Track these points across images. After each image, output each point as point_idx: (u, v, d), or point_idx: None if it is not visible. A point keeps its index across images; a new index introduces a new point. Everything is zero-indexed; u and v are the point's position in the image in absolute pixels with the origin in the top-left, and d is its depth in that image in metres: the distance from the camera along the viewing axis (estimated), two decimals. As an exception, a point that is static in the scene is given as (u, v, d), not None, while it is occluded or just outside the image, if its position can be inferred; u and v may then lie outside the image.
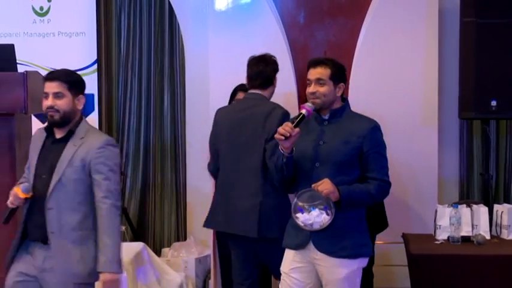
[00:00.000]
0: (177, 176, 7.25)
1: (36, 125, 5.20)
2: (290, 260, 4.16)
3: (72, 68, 6.70)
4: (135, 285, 5.54)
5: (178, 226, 7.24)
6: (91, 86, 6.85)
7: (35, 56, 6.79)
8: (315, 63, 4.15)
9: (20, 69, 4.95)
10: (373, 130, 4.10)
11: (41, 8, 6.93)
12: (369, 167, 4.06)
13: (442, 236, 5.44)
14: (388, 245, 6.24)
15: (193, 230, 6.98)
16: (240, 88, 5.72)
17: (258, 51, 6.34)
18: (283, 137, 3.92)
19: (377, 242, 5.88)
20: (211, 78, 6.49)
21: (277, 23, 6.49)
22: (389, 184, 4.12)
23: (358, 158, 4.06)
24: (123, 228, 7.02)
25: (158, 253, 6.67)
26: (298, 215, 4.03)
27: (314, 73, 4.11)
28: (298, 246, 4.12)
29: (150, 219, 7.31)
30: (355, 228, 4.09)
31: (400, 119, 6.29)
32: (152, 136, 7.27)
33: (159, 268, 6.08)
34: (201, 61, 6.73)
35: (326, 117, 4.15)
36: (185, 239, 7.06)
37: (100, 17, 7.04)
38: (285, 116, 4.87)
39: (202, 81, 6.67)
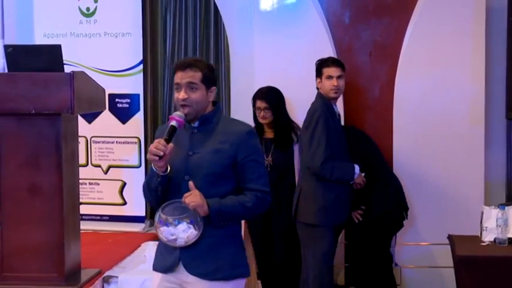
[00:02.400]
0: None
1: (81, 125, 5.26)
2: (157, 284, 3.77)
3: (117, 68, 6.87)
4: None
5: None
6: (136, 86, 6.90)
7: (81, 57, 6.84)
8: (184, 65, 3.62)
9: (67, 69, 4.98)
10: (248, 136, 3.65)
11: (88, 9, 6.98)
12: (244, 177, 3.61)
13: (488, 237, 5.37)
14: (434, 246, 6.19)
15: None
16: (256, 96, 5.79)
17: (303, 52, 6.36)
18: (157, 157, 3.46)
19: (422, 243, 5.83)
20: (256, 79, 6.48)
21: (322, 23, 6.46)
22: (268, 194, 3.65)
23: (232, 167, 3.60)
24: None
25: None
26: (162, 228, 3.56)
27: (184, 76, 3.59)
28: (167, 269, 3.65)
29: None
30: (229, 246, 3.62)
31: (447, 119, 6.24)
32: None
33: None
34: (246, 61, 6.72)
35: (195, 124, 3.67)
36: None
37: (146, 18, 7.07)
38: None
39: (247, 82, 6.66)
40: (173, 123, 3.55)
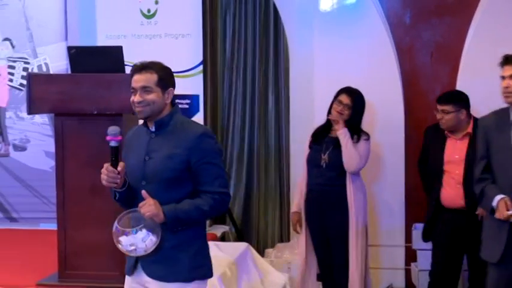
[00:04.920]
0: (281, 177, 7.26)
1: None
2: (127, 286, 3.74)
3: (177, 69, 6.90)
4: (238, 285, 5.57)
5: (282, 227, 7.24)
6: (196, 87, 6.94)
7: (142, 58, 6.82)
8: (140, 68, 3.62)
9: (128, 70, 5.03)
10: (200, 139, 3.57)
11: (149, 11, 7.05)
12: (200, 179, 3.57)
13: None
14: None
15: (296, 231, 6.97)
16: (344, 90, 5.68)
17: (363, 52, 6.32)
18: (114, 184, 3.51)
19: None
20: (315, 79, 6.47)
21: (382, 23, 6.42)
22: (226, 195, 3.63)
23: (189, 172, 3.56)
24: (227, 228, 7.09)
25: (262, 254, 6.68)
26: (121, 238, 3.51)
27: (139, 80, 3.58)
28: (129, 271, 3.67)
29: (254, 220, 7.34)
30: (188, 249, 3.59)
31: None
32: (256, 137, 7.30)
33: (262, 268, 6.09)
34: (306, 62, 6.70)
35: (153, 128, 3.64)
36: (289, 240, 7.05)
37: (206, 19, 7.11)
38: None
39: (306, 82, 6.65)
40: (112, 144, 3.51)
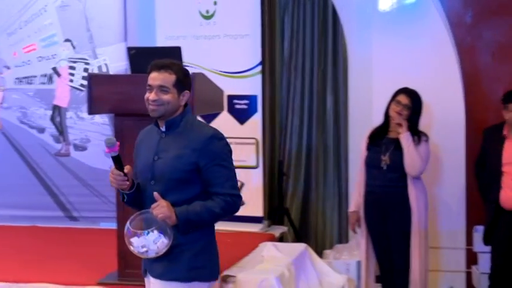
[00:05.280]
0: (340, 177, 7.24)
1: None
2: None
3: (236, 69, 6.92)
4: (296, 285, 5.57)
5: (340, 227, 7.21)
6: (255, 87, 6.93)
7: (201, 58, 6.92)
8: (159, 67, 3.63)
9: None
10: (210, 140, 3.59)
11: (207, 11, 7.07)
12: (210, 181, 3.57)
13: None
14: None
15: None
16: (403, 90, 5.63)
17: (423, 52, 6.25)
18: (123, 186, 3.58)
19: None
20: (374, 79, 6.42)
21: (443, 23, 6.34)
22: (237, 197, 3.64)
23: (197, 173, 3.57)
24: (285, 229, 7.08)
25: (320, 254, 6.65)
26: (133, 240, 3.54)
27: (156, 78, 3.60)
28: (144, 272, 3.77)
29: (312, 220, 7.32)
30: (189, 250, 3.59)
31: None
32: (315, 136, 7.29)
33: (321, 270, 6.07)
34: (364, 62, 6.65)
35: (163, 129, 3.68)
36: (347, 241, 7.02)
37: (264, 19, 7.10)
38: None
39: (365, 82, 6.60)
40: (112, 154, 3.54)
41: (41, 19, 7.51)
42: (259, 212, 6.98)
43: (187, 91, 3.67)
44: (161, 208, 3.48)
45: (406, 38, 6.36)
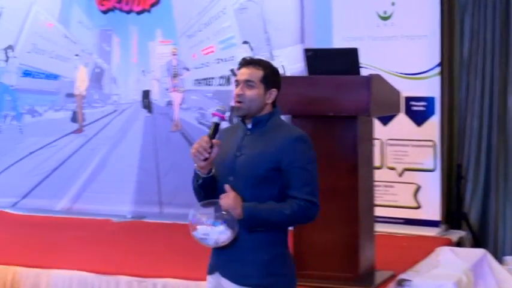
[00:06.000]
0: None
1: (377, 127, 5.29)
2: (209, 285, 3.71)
3: (413, 71, 6.83)
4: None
5: (523, 233, 7.00)
6: (432, 89, 6.83)
7: (377, 59, 6.86)
8: (247, 62, 3.62)
9: (363, 72, 5.05)
10: (295, 142, 3.52)
11: (385, 12, 7.02)
12: (289, 183, 3.49)
13: None
14: None
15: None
16: None
17: None
18: (202, 156, 3.46)
19: None
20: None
21: None
22: (313, 203, 3.50)
23: (277, 173, 3.49)
24: (464, 233, 6.92)
25: (500, 261, 6.45)
26: (198, 226, 3.48)
27: (244, 73, 3.58)
28: (210, 271, 3.65)
29: (492, 225, 7.11)
30: (264, 254, 3.50)
31: None
32: (495, 138, 7.08)
33: (500, 277, 5.89)
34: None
35: (249, 126, 3.63)
36: (529, 247, 6.80)
37: (443, 20, 6.97)
38: None
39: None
40: (215, 119, 3.53)
41: (219, 22, 7.70)
42: (436, 216, 6.86)
43: (275, 89, 3.63)
44: (228, 199, 3.45)
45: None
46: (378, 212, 5.61)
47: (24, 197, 8.58)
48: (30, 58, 8.60)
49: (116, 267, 5.61)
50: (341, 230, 4.90)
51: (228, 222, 3.44)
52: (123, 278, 5.41)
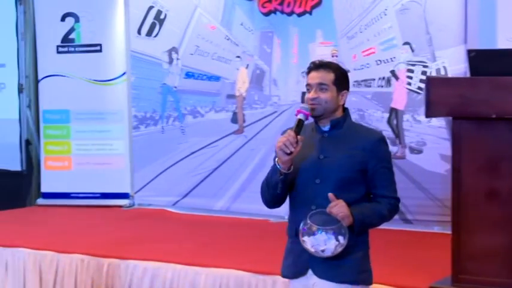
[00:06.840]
0: None
1: None
2: None
3: None
4: None
5: None
6: None
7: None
8: (317, 66, 3.68)
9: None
10: (379, 143, 3.68)
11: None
12: (377, 183, 3.65)
13: None
14: None
15: None
16: None
17: None
18: (288, 150, 3.48)
19: None
20: None
21: None
22: (398, 201, 3.72)
23: (363, 174, 3.62)
24: None
25: None
26: (305, 238, 3.55)
27: (315, 77, 3.66)
28: (297, 274, 3.69)
29: None
30: (356, 252, 3.63)
31: None
32: None
33: None
34: None
35: (326, 128, 3.71)
36: None
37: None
38: None
39: None
40: (300, 116, 3.58)
41: (380, 23, 7.65)
42: None
43: (346, 91, 3.77)
44: (341, 207, 3.52)
45: None
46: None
47: (185, 196, 8.82)
48: (192, 60, 8.83)
49: (273, 267, 5.67)
50: (503, 234, 4.77)
51: (338, 231, 3.53)
52: (280, 278, 5.46)
